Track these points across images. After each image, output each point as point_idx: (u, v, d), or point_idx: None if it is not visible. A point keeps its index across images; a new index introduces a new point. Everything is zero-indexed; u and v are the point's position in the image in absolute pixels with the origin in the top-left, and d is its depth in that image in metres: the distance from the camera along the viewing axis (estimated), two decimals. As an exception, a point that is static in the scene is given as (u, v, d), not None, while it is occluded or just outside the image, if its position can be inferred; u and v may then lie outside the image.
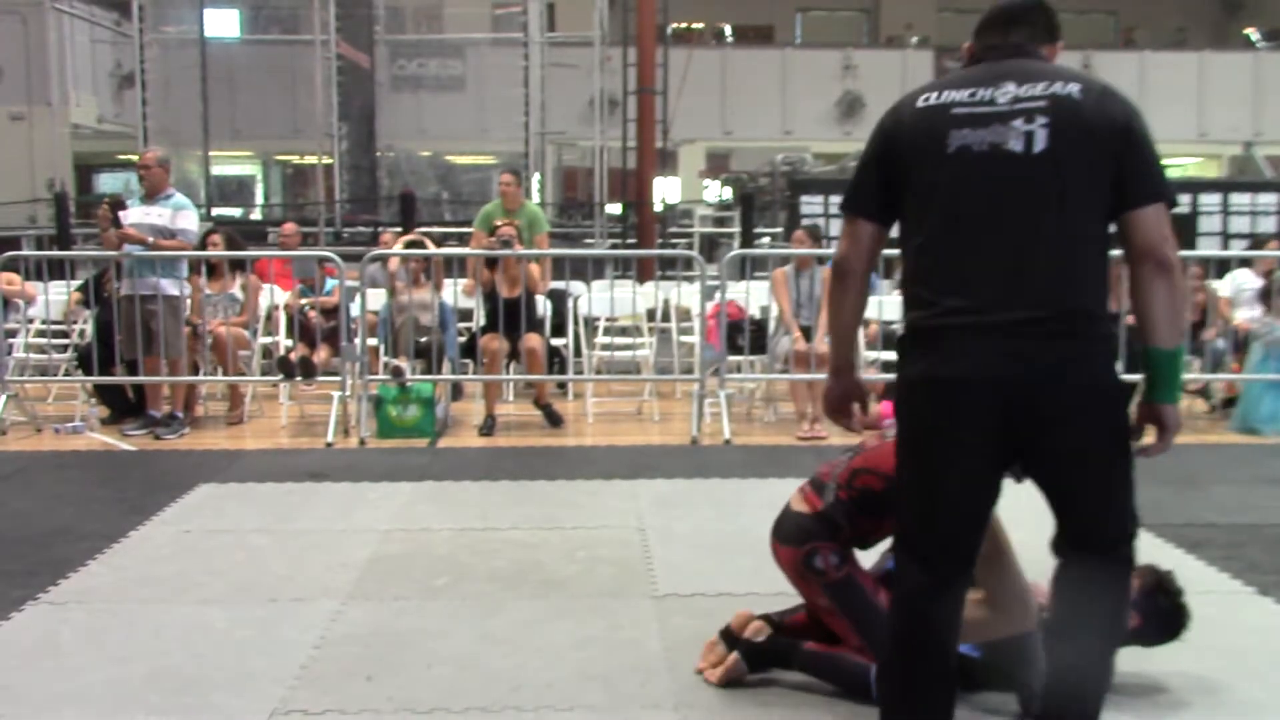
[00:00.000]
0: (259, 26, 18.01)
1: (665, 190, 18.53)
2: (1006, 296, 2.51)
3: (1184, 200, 12.01)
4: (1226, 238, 12.00)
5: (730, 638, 3.47)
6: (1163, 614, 3.31)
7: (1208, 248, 11.59)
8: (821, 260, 8.10)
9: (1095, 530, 2.61)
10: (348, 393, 7.53)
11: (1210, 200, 12.11)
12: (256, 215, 21.11)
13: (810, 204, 12.32)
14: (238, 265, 8.18)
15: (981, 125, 2.54)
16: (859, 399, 2.91)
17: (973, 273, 2.55)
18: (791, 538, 3.33)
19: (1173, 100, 21.93)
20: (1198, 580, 4.29)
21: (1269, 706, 3.30)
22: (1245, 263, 9.05)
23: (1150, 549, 3.95)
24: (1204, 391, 8.33)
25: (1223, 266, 9.35)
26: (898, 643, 2.71)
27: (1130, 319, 2.92)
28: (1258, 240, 10.12)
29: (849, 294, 2.81)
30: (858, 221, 2.76)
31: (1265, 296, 8.27)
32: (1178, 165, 23.79)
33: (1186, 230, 11.87)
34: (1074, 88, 2.53)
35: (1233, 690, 3.41)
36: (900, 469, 2.71)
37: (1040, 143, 2.50)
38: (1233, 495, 5.85)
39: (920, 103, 2.64)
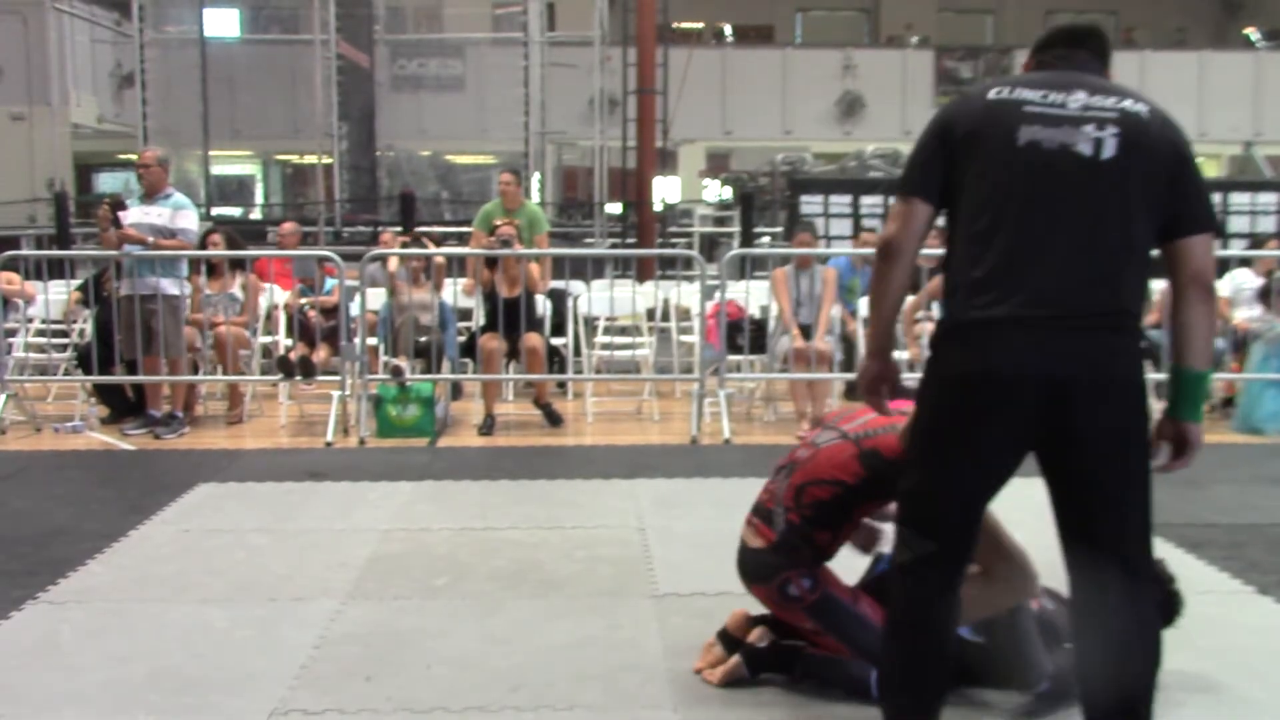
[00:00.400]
0: (259, 26, 18.03)
1: (665, 190, 18.53)
2: (1062, 292, 2.56)
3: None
4: (1226, 237, 11.99)
5: (728, 639, 3.47)
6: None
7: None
8: (822, 260, 8.11)
9: (1113, 532, 2.62)
10: (347, 392, 7.53)
11: (1216, 198, 12.11)
12: (256, 215, 21.10)
13: (810, 203, 12.32)
14: (237, 265, 8.18)
15: (1053, 125, 2.61)
16: (891, 381, 2.93)
17: (1030, 265, 2.58)
18: (759, 576, 3.34)
19: (1173, 100, 21.64)
20: (1198, 580, 4.30)
21: (1268, 705, 3.30)
22: (1245, 262, 9.06)
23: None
24: (1204, 391, 8.32)
25: (1222, 266, 9.34)
26: (897, 623, 2.75)
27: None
28: (1257, 240, 10.12)
29: (895, 275, 2.78)
30: (914, 202, 2.74)
31: (1265, 296, 8.27)
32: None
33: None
34: (1142, 107, 2.63)
35: (1232, 689, 3.42)
36: (920, 453, 2.73)
37: (1109, 150, 2.57)
38: (1233, 495, 5.85)
39: (991, 95, 2.69)
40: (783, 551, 3.27)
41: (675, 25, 20.04)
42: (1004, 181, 2.62)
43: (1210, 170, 22.52)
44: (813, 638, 3.33)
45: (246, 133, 17.15)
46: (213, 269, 8.03)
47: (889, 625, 2.80)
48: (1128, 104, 2.62)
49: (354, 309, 7.69)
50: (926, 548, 2.67)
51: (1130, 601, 2.61)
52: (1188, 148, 2.64)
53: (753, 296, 8.51)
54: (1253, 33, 25.05)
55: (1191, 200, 2.62)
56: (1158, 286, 7.20)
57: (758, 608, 3.52)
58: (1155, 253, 2.65)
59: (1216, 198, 11.87)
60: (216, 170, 17.79)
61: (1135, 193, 2.57)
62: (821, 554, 3.29)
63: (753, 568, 3.37)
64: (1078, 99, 2.63)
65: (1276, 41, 24.65)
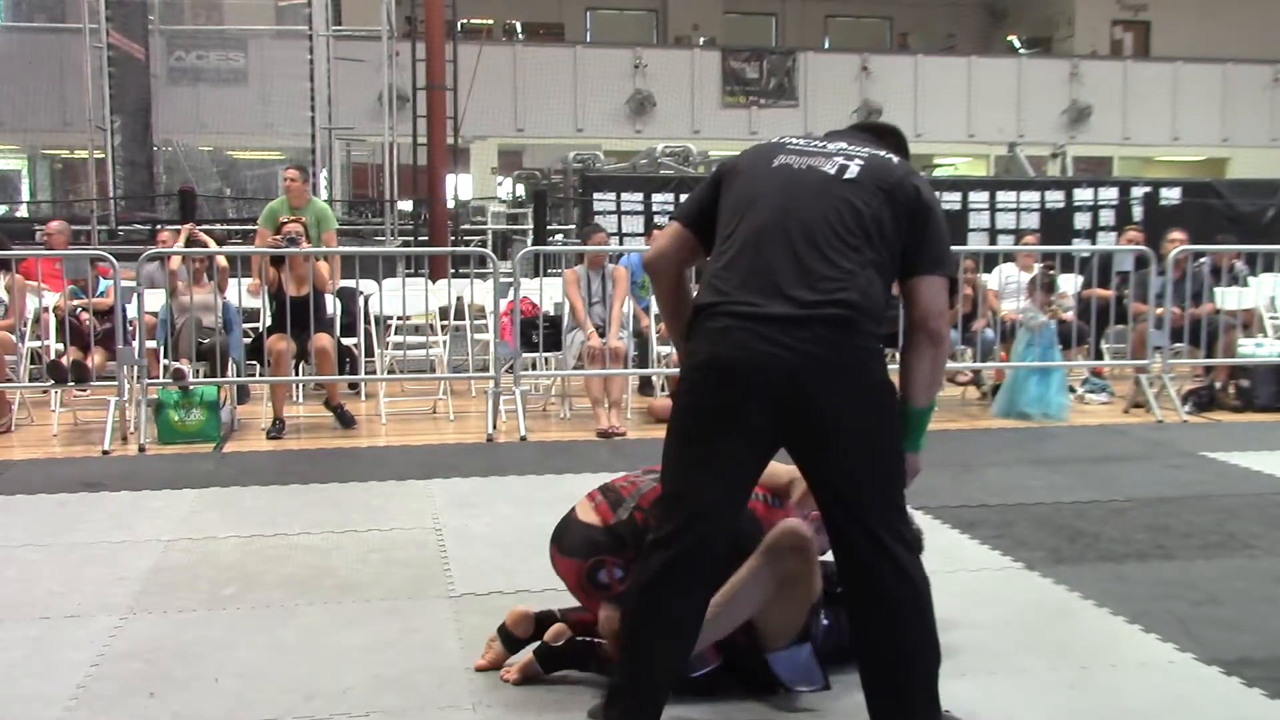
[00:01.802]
0: (22, 14, 17.03)
1: (458, 187, 18.35)
2: (791, 288, 2.69)
3: (955, 198, 12.65)
4: (994, 233, 12.66)
5: (507, 636, 3.48)
6: None
7: (976, 243, 12.21)
8: (614, 258, 8.20)
9: (866, 518, 2.72)
10: (125, 397, 7.20)
11: (979, 198, 12.76)
12: (23, 212, 19.96)
13: (603, 201, 12.42)
14: (2, 265, 7.74)
15: (806, 156, 2.87)
16: None
17: (765, 265, 2.73)
18: (576, 550, 3.32)
19: (944, 102, 23.03)
20: (972, 558, 4.55)
21: (1038, 671, 3.51)
22: (1010, 257, 9.58)
23: (928, 530, 4.15)
24: (975, 379, 8.78)
25: (990, 260, 9.88)
26: (624, 594, 2.90)
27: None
28: (1020, 236, 10.72)
29: (659, 290, 3.03)
30: (673, 224, 3.01)
31: (1031, 287, 8.76)
32: (948, 164, 24.97)
33: (958, 226, 12.49)
34: (892, 157, 2.87)
35: (1007, 658, 3.63)
36: (671, 439, 2.86)
37: (850, 173, 2.80)
38: (1002, 477, 6.20)
39: (762, 144, 3.01)
40: (612, 538, 3.28)
41: (464, 21, 19.86)
42: (752, 191, 2.84)
43: (979, 169, 23.71)
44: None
45: (10, 125, 16.22)
46: (-27, 270, 7.57)
47: (628, 597, 2.91)
48: (879, 152, 2.86)
49: (131, 311, 7.36)
50: (662, 530, 2.81)
51: (885, 566, 2.72)
52: (931, 197, 2.82)
53: (547, 294, 8.54)
54: (1015, 40, 26.49)
55: (928, 244, 2.78)
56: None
57: (557, 605, 3.53)
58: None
59: (984, 195, 12.58)
60: (-24, 165, 16.75)
61: (871, 207, 2.74)
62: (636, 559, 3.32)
63: (572, 540, 3.34)
64: (837, 146, 2.90)
65: (1037, 49, 26.13)
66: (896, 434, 2.78)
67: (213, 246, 8.29)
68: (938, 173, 22.91)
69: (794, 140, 2.95)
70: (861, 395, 2.70)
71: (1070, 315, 8.68)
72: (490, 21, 25.28)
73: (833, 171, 2.79)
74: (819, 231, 2.71)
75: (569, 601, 3.56)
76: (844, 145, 2.88)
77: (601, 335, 7.71)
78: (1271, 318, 9.59)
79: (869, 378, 2.71)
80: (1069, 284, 9.33)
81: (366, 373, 8.31)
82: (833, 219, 2.72)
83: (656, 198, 12.40)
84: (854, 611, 2.81)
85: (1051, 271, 8.79)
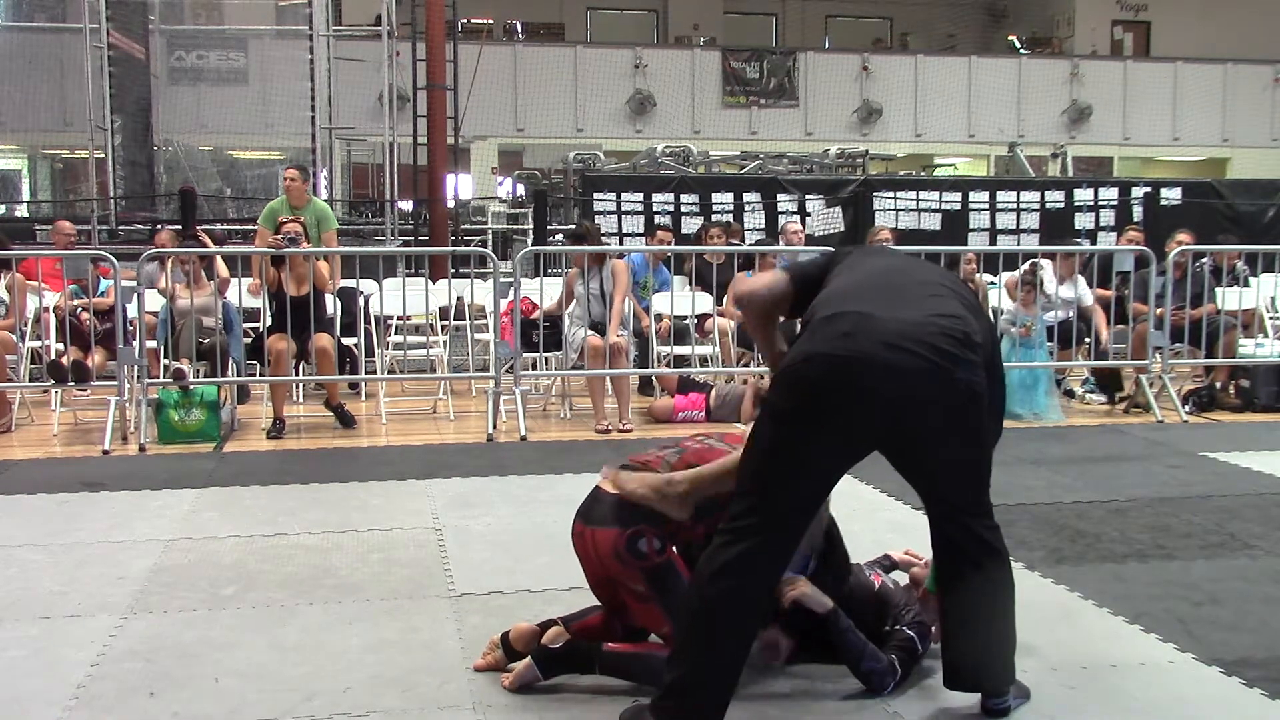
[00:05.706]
0: (22, 13, 17.03)
1: (458, 187, 18.35)
2: (914, 305, 2.94)
3: (955, 198, 12.66)
4: (994, 233, 12.67)
5: (509, 647, 3.47)
6: None
7: (976, 243, 12.22)
8: (617, 255, 8.20)
9: (963, 513, 3.05)
10: (125, 397, 7.19)
11: (979, 198, 12.77)
12: (22, 212, 19.95)
13: (603, 201, 12.41)
14: (2, 265, 7.74)
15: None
16: None
17: (890, 289, 3.03)
18: (615, 519, 3.24)
19: (944, 102, 23.01)
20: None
21: (1033, 668, 3.50)
22: (1023, 257, 9.50)
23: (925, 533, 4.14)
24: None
25: (990, 260, 9.87)
26: (714, 577, 2.87)
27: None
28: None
29: (754, 317, 3.28)
30: (779, 272, 3.24)
31: (1028, 289, 8.72)
32: (948, 164, 24.96)
33: (958, 226, 12.51)
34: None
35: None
36: (768, 433, 2.92)
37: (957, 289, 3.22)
38: (1000, 476, 6.13)
39: None
40: (650, 508, 3.25)
41: (464, 21, 19.85)
42: (872, 256, 3.30)
43: (979, 169, 23.70)
44: (635, 604, 3.29)
45: (10, 125, 16.23)
46: (-26, 270, 7.57)
47: (691, 580, 2.99)
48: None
49: (131, 311, 7.36)
50: (746, 521, 2.86)
51: (982, 551, 3.10)
52: None
53: (547, 294, 8.53)
54: (1015, 40, 26.46)
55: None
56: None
57: (557, 603, 3.52)
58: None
59: (984, 195, 12.60)
60: (-24, 165, 16.76)
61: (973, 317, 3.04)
62: (674, 532, 3.29)
63: (606, 511, 3.27)
64: None
65: (1037, 49, 26.11)
66: (989, 438, 3.03)
67: (209, 246, 8.29)
68: (938, 173, 22.92)
69: None
70: (967, 405, 2.90)
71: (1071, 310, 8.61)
72: (490, 21, 25.26)
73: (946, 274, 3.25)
74: (940, 284, 3.05)
75: (568, 602, 3.56)
76: None
77: (601, 334, 7.69)
78: (1271, 318, 9.59)
79: (975, 389, 2.91)
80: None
81: (366, 373, 8.31)
82: (950, 285, 3.08)
83: (656, 198, 12.41)
84: (952, 588, 3.07)
85: (1039, 265, 8.71)
